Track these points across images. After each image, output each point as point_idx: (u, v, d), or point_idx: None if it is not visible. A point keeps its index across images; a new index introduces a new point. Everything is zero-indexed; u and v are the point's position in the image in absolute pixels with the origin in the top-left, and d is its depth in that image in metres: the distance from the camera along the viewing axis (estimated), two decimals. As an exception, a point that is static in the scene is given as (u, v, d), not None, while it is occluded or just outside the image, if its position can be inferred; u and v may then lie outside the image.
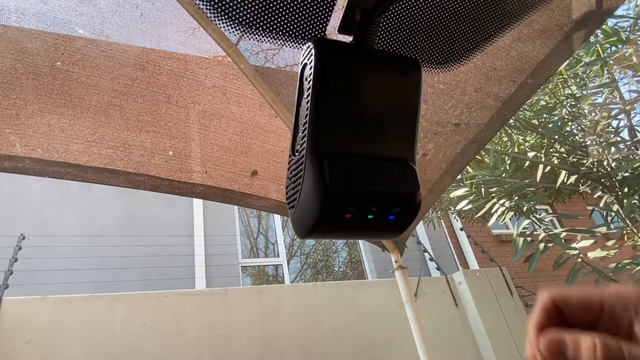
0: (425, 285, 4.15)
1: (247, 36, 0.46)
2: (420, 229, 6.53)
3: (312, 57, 0.31)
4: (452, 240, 7.00)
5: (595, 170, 3.80)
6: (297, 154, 0.32)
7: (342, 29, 0.36)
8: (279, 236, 6.33)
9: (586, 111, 3.98)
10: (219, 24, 0.45)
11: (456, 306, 4.16)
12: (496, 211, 3.57)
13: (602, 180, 3.78)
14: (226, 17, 0.44)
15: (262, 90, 1.50)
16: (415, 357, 1.99)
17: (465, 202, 3.76)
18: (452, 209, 4.88)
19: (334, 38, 0.34)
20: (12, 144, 1.38)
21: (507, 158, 3.74)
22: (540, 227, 3.35)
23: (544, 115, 4.21)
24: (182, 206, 5.69)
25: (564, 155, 4.21)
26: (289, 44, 0.45)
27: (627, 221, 3.38)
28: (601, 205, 3.81)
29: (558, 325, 0.31)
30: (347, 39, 0.36)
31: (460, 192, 3.80)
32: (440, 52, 0.52)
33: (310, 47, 0.32)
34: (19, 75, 1.32)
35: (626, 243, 3.68)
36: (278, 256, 6.17)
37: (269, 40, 0.45)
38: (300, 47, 0.44)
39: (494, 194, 3.52)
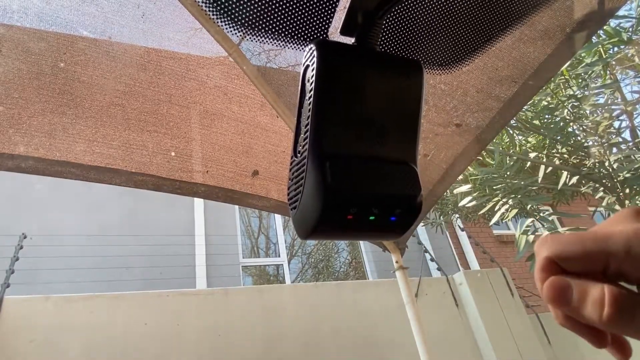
0: (426, 285, 4.14)
1: (249, 37, 0.46)
2: (421, 229, 6.52)
3: (315, 59, 0.31)
4: (453, 241, 7.00)
5: (596, 171, 3.79)
6: (299, 155, 0.33)
7: (344, 31, 0.36)
8: (279, 236, 6.33)
9: (588, 112, 3.97)
10: (221, 24, 0.45)
11: (457, 307, 4.16)
12: (499, 209, 3.56)
13: (604, 181, 3.78)
14: (228, 18, 0.44)
15: (263, 91, 1.51)
16: (416, 357, 1.99)
17: (469, 198, 3.76)
18: (455, 210, 4.86)
19: (336, 40, 0.34)
20: (15, 144, 1.38)
21: (508, 159, 3.74)
22: (544, 226, 3.35)
23: (546, 115, 4.20)
24: (183, 206, 5.70)
25: (566, 156, 4.20)
26: (291, 45, 0.45)
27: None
28: (604, 204, 3.80)
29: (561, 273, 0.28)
30: (349, 40, 0.36)
31: (464, 188, 3.80)
32: (442, 54, 0.52)
33: (313, 49, 0.32)
34: (22, 75, 1.33)
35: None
36: (279, 256, 6.18)
37: (271, 42, 0.45)
38: (303, 48, 0.44)
39: (498, 191, 3.52)
